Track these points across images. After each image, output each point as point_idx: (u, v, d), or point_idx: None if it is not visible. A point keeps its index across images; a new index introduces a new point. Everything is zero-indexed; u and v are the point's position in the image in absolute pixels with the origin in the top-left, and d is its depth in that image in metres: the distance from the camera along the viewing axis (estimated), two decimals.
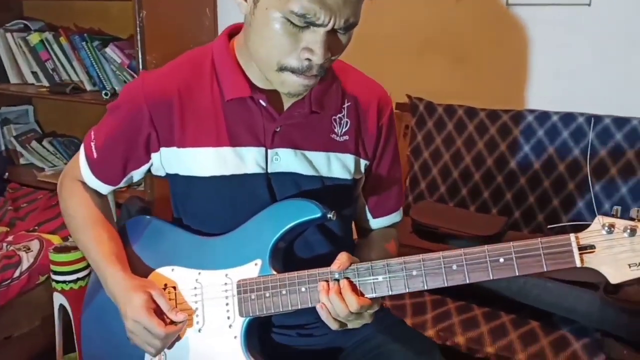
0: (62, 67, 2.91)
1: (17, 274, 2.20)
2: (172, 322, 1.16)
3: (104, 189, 1.32)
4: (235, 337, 1.16)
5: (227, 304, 1.18)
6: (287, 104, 1.21)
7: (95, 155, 1.28)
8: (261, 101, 1.18)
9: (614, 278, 0.98)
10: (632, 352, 1.45)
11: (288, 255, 1.21)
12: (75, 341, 1.69)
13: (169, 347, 1.20)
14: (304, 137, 1.21)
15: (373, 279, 1.09)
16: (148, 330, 1.14)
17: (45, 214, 2.68)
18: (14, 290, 2.18)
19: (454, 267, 1.06)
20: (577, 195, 1.98)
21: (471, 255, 1.05)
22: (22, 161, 3.13)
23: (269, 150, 1.20)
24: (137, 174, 1.29)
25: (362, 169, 1.28)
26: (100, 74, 2.79)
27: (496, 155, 2.13)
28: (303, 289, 1.13)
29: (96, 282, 1.29)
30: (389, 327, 1.29)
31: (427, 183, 2.24)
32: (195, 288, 1.21)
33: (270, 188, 1.21)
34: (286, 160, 1.20)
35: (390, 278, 1.09)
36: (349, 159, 1.24)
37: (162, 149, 1.22)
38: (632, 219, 0.98)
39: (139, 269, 1.24)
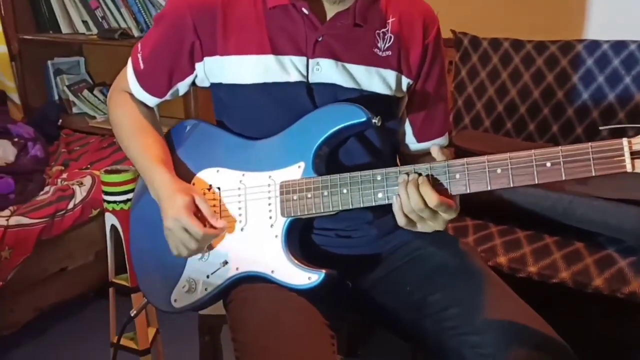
0: (111, 14, 2.91)
1: (71, 205, 2.23)
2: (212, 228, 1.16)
3: (151, 100, 1.31)
4: (276, 236, 1.16)
5: (269, 204, 1.17)
6: (330, 13, 1.18)
7: (142, 66, 1.28)
8: (304, 9, 1.16)
9: None
10: None
11: (330, 163, 1.19)
12: (127, 262, 1.71)
13: (214, 245, 1.21)
14: (346, 49, 1.18)
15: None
16: (186, 230, 1.14)
17: (97, 155, 2.72)
18: (68, 222, 2.22)
19: (499, 170, 1.01)
20: (627, 124, 1.88)
21: (517, 159, 1.00)
22: (74, 110, 3.16)
23: (310, 60, 1.17)
24: (182, 86, 1.28)
25: (404, 87, 1.23)
26: (147, 19, 2.78)
27: (543, 87, 2.04)
28: (344, 191, 1.11)
29: (143, 185, 1.30)
30: (424, 233, 1.25)
31: (470, 118, 2.17)
32: (239, 189, 1.21)
33: (311, 97, 1.19)
34: (327, 71, 1.18)
35: (432, 178, 1.04)
36: (390, 74, 1.20)
37: (206, 59, 1.22)
38: None
39: (185, 172, 1.25)
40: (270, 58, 1.17)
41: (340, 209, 1.12)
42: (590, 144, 0.95)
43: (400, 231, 1.25)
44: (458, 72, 2.21)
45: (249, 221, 1.19)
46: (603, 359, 1.60)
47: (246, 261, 1.19)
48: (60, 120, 3.07)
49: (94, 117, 3.06)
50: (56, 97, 3.19)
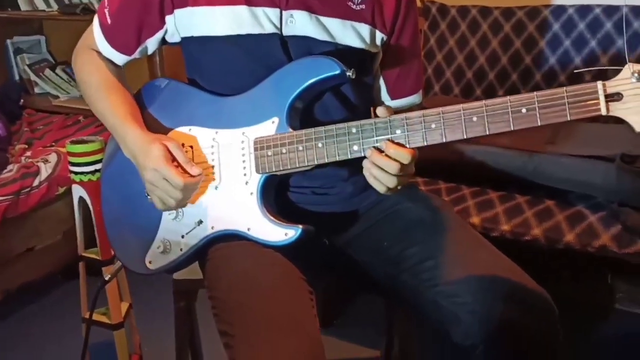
0: None
1: (36, 182, 2.17)
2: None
3: (119, 58, 1.27)
4: (251, 193, 1.14)
5: (243, 162, 1.15)
6: None
7: (109, 21, 1.23)
8: None
9: None
10: None
11: (305, 119, 1.17)
12: (97, 235, 1.67)
13: (187, 205, 1.18)
14: (320, 1, 1.16)
15: (391, 134, 1.05)
16: (167, 180, 1.12)
17: (61, 133, 2.65)
18: (34, 199, 2.16)
19: (474, 118, 1.01)
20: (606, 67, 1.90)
21: (492, 106, 1.00)
22: (37, 90, 3.08)
23: (284, 12, 1.15)
24: (151, 43, 1.25)
25: (378, 41, 1.22)
26: None
27: (511, 53, 2.06)
28: (320, 145, 1.09)
29: (114, 146, 1.27)
30: (402, 189, 1.25)
31: (440, 85, 2.18)
32: (212, 147, 1.18)
33: (285, 51, 1.16)
34: (301, 23, 1.15)
35: (408, 132, 1.04)
36: (364, 28, 1.19)
37: (176, 11, 1.18)
38: None
39: (157, 131, 1.21)
40: (242, 9, 1.14)
41: (316, 163, 1.10)
42: (564, 88, 0.95)
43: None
44: (427, 41, 2.21)
45: (224, 179, 1.17)
46: (573, 319, 1.63)
47: (221, 220, 1.16)
48: (22, 100, 2.98)
49: (57, 97, 2.98)
50: (17, 77, 3.10)
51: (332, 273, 1.29)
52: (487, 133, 1.00)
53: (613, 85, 0.93)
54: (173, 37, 1.23)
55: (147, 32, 1.22)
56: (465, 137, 1.01)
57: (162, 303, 1.52)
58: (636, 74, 0.92)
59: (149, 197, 1.22)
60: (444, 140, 1.03)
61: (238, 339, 0.98)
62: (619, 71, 0.94)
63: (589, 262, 1.52)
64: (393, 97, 1.30)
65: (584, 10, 1.95)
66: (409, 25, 1.25)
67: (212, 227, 1.17)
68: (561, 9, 1.99)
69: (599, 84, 0.93)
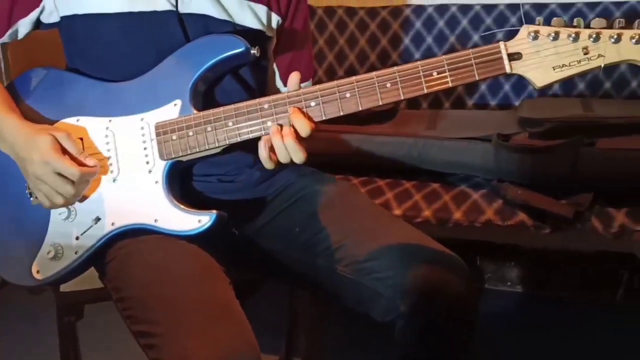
0: None
1: None
2: None
3: None
4: (156, 182, 1.04)
5: (145, 149, 1.05)
6: None
7: None
8: None
9: (540, 81, 0.97)
10: (525, 190, 1.50)
11: (205, 104, 1.09)
12: None
13: (80, 201, 1.05)
14: None
15: (305, 107, 1.01)
16: (59, 174, 0.98)
17: None
18: None
19: (388, 84, 1.00)
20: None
21: (404, 72, 0.99)
22: None
23: None
24: (23, 26, 1.10)
25: (274, 24, 1.18)
26: None
27: (378, 51, 2.11)
28: (230, 124, 1.02)
29: None
30: (307, 174, 1.23)
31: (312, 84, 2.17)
32: (106, 136, 1.06)
33: (182, 29, 1.08)
34: (198, 1, 1.08)
35: (323, 102, 1.01)
36: (261, 9, 1.15)
37: None
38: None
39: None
40: None
41: (228, 143, 1.03)
42: (470, 50, 0.97)
43: (283, 174, 1.22)
44: None
45: (122, 170, 1.06)
46: None
47: (123, 214, 1.05)
48: None
49: None
50: None
51: (243, 265, 1.21)
52: (402, 97, 1.00)
53: (513, 45, 0.96)
54: (50, 17, 1.09)
55: (20, 10, 1.08)
56: (380, 103, 1.00)
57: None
58: (532, 34, 0.96)
59: (31, 197, 1.07)
60: (360, 109, 1.01)
61: (166, 336, 0.88)
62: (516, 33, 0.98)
63: (456, 248, 1.59)
64: (286, 84, 1.27)
65: (441, 8, 2.07)
66: (301, 11, 1.23)
67: (113, 224, 1.05)
68: (421, 8, 2.09)
69: (501, 44, 0.96)
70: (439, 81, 0.98)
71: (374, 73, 1.00)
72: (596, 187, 1.49)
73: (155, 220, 1.03)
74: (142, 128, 1.05)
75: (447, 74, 0.98)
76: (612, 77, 1.91)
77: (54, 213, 1.06)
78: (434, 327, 1.03)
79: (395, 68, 1.00)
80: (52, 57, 1.18)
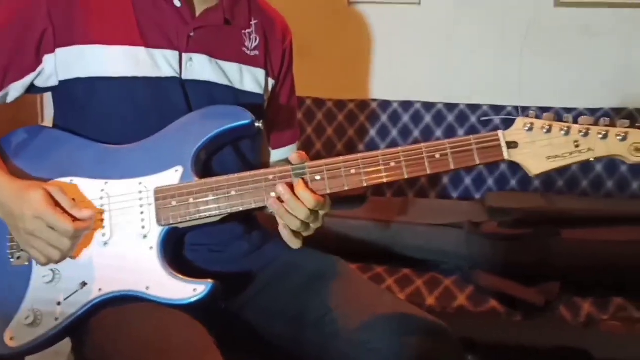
0: None
1: None
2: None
3: None
4: (151, 247, 1.00)
5: (142, 213, 1.01)
6: (199, 9, 1.11)
7: None
8: (175, 1, 1.08)
9: (536, 169, 1.01)
10: (496, 277, 1.52)
11: (202, 172, 1.07)
12: None
13: (73, 256, 0.99)
14: (218, 46, 1.12)
15: (310, 181, 1.00)
16: (52, 228, 0.93)
17: None
18: None
19: (392, 164, 1.01)
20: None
21: (409, 152, 1.01)
22: None
23: (184, 55, 1.08)
24: (15, 89, 1.06)
25: (270, 87, 1.21)
26: None
27: (345, 141, 2.16)
28: (233, 192, 1.00)
29: None
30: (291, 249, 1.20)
31: None
32: (101, 198, 1.02)
33: (184, 95, 1.08)
34: (200, 67, 1.09)
35: (328, 177, 1.01)
36: (260, 73, 1.17)
37: (58, 50, 1.03)
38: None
39: None
40: (141, 50, 1.04)
41: (230, 211, 1.00)
42: (471, 136, 1.01)
43: (270, 246, 1.19)
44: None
45: (115, 234, 1.00)
46: None
47: (111, 280, 0.98)
48: None
49: None
50: None
51: (229, 340, 1.15)
52: (406, 177, 1.01)
53: (510, 134, 1.01)
54: (48, 81, 1.06)
55: (15, 73, 1.04)
56: (385, 181, 1.01)
57: None
58: (527, 125, 1.01)
59: (12, 259, 1.00)
60: (364, 185, 1.01)
61: None
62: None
63: None
64: (274, 147, 1.27)
65: (406, 104, 2.16)
66: (290, 76, 1.27)
67: (100, 290, 0.98)
68: (387, 103, 2.17)
69: (500, 132, 1.00)
70: (441, 163, 1.01)
71: (378, 152, 1.02)
72: (563, 277, 1.53)
73: (147, 288, 0.98)
74: (141, 192, 1.01)
75: (450, 157, 1.01)
76: (564, 176, 2.02)
77: (36, 276, 0.99)
78: None
79: (400, 148, 1.01)
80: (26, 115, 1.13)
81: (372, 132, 2.16)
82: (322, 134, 2.18)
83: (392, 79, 2.24)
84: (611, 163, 2.02)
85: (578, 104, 1.95)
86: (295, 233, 1.01)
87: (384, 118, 2.16)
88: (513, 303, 1.48)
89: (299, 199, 0.98)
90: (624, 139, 0.97)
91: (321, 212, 1.01)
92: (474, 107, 2.11)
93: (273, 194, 1.00)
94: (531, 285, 1.52)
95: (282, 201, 0.98)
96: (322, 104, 2.21)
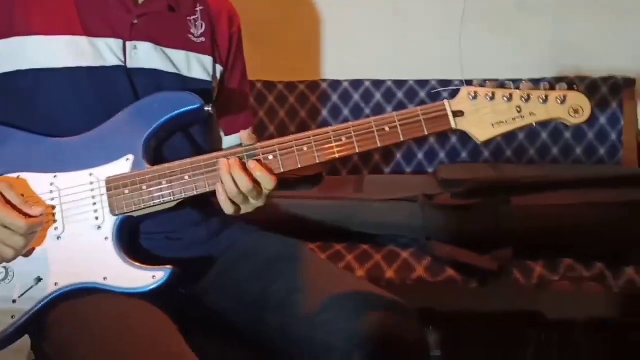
0: None
1: None
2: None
3: None
4: (106, 238, 0.99)
5: (94, 204, 1.00)
6: None
7: None
8: None
9: (482, 136, 1.04)
10: (451, 247, 1.56)
11: (154, 160, 1.06)
12: None
13: (25, 256, 0.97)
14: (163, 33, 1.11)
15: (263, 158, 1.01)
16: (4, 226, 0.92)
17: None
18: None
19: (343, 139, 1.03)
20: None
21: (359, 127, 1.03)
22: None
23: (128, 43, 1.07)
24: None
25: (218, 74, 1.19)
26: None
27: (297, 123, 2.16)
28: (187, 177, 1.00)
29: None
30: (252, 232, 1.22)
31: None
32: (51, 192, 1.00)
33: (131, 84, 1.07)
34: (146, 55, 1.08)
35: (281, 155, 1.01)
36: (207, 60, 1.16)
37: None
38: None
39: None
40: (82, 39, 1.03)
41: (184, 196, 1.00)
42: (418, 108, 1.03)
43: (229, 232, 1.20)
44: None
45: (68, 227, 0.99)
46: None
47: (67, 273, 0.97)
48: None
49: None
50: None
51: (191, 326, 1.15)
52: (357, 151, 1.03)
53: (456, 104, 1.03)
54: None
55: None
56: (337, 156, 1.03)
57: None
58: (472, 94, 1.04)
59: None
60: (317, 162, 1.02)
61: None
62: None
63: None
64: (227, 133, 1.26)
65: (356, 83, 2.17)
66: (239, 61, 1.25)
67: (56, 284, 0.97)
68: (337, 83, 2.18)
69: (446, 102, 1.03)
70: (390, 135, 1.03)
71: (329, 128, 1.03)
72: (515, 242, 1.58)
73: (105, 279, 0.97)
74: (92, 183, 1.00)
75: (399, 129, 1.03)
76: (512, 145, 2.07)
77: None
78: None
79: (350, 123, 1.03)
80: None
81: (324, 113, 2.16)
82: (275, 117, 2.17)
83: (341, 58, 2.25)
84: (556, 131, 2.08)
85: (521, 75, 2.00)
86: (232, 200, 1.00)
87: (334, 98, 2.17)
88: (469, 271, 1.52)
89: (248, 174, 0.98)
90: (563, 101, 1.01)
91: (265, 191, 1.01)
92: (422, 83, 2.14)
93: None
94: (485, 252, 1.56)
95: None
96: (272, 86, 2.20)
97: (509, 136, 2.07)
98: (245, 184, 0.97)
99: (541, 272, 1.54)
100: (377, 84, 2.17)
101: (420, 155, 2.11)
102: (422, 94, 2.13)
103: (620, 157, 2.07)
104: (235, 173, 0.97)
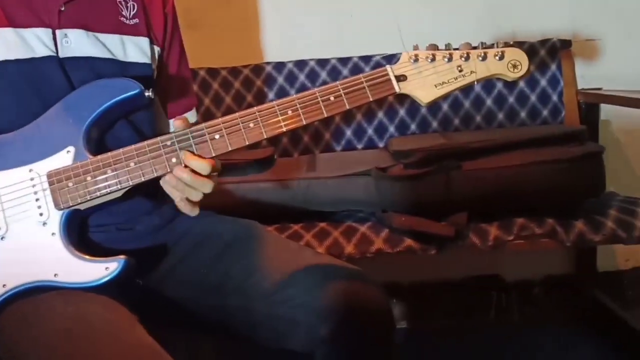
0: None
1: None
2: None
3: None
4: (53, 234, 0.96)
5: (37, 200, 0.97)
6: None
7: None
8: None
9: (426, 98, 1.04)
10: (408, 217, 1.57)
11: (97, 151, 1.03)
12: None
13: None
14: (93, 18, 1.07)
15: (209, 138, 0.99)
16: None
17: None
18: None
19: (289, 112, 1.02)
20: (322, 127, 2.10)
21: (304, 99, 1.03)
22: None
23: (57, 31, 1.03)
24: None
25: (157, 55, 1.17)
26: None
27: (245, 107, 2.10)
28: (132, 164, 0.97)
29: None
30: (206, 216, 1.19)
31: None
32: None
33: (65, 74, 1.03)
34: (78, 43, 1.05)
35: (227, 134, 1.00)
36: (143, 41, 1.13)
37: None
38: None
39: None
40: (8, 31, 0.99)
41: (131, 184, 0.98)
42: (361, 75, 1.04)
43: (182, 218, 1.16)
44: None
45: (11, 226, 0.96)
46: None
47: (15, 274, 0.94)
48: None
49: None
50: None
51: (151, 318, 1.13)
52: (304, 123, 1.02)
53: (398, 68, 1.04)
54: None
55: None
56: (284, 130, 1.02)
57: None
58: (412, 57, 1.04)
59: None
60: (264, 137, 1.01)
61: None
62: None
63: None
64: (169, 116, 1.24)
65: (300, 64, 2.16)
66: (176, 40, 1.23)
67: (4, 286, 0.94)
68: (281, 64, 2.16)
69: (388, 67, 1.03)
70: (336, 104, 1.03)
71: (274, 102, 1.03)
72: (469, 207, 1.60)
73: (55, 275, 0.94)
74: (32, 179, 0.97)
75: (344, 97, 1.02)
76: (459, 114, 2.10)
77: None
78: (358, 345, 1.02)
79: (295, 96, 1.03)
80: None
81: (271, 95, 2.14)
82: (221, 104, 2.14)
83: (284, 40, 2.22)
84: (500, 97, 2.12)
85: (461, 40, 2.02)
86: (194, 202, 1.00)
87: (280, 80, 2.15)
88: (426, 238, 1.53)
89: (197, 173, 0.97)
90: (502, 57, 1.03)
91: (208, 179, 0.99)
92: (366, 59, 2.13)
93: (174, 160, 0.98)
94: (441, 219, 1.57)
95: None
96: (216, 73, 2.16)
97: (456, 105, 2.10)
98: (188, 178, 0.96)
99: (496, 233, 1.56)
100: (322, 62, 2.15)
101: (370, 131, 2.11)
102: (367, 70, 2.12)
103: (562, 117, 2.12)
104: (177, 174, 0.96)
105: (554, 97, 2.12)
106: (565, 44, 2.14)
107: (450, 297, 2.28)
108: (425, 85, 1.04)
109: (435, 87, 1.05)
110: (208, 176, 0.98)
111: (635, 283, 2.29)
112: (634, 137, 2.23)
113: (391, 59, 2.10)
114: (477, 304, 2.30)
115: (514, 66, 1.03)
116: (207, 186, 0.98)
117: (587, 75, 2.17)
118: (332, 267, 1.08)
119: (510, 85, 2.12)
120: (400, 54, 1.05)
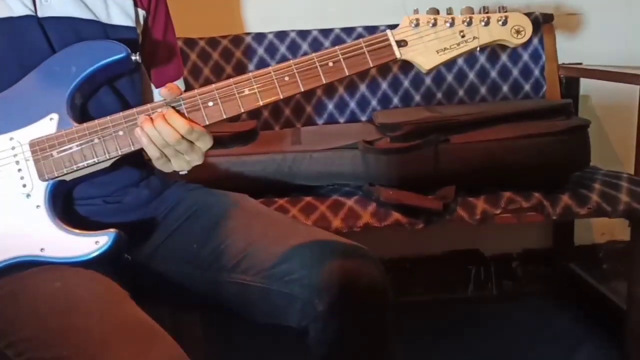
0: None
1: None
2: None
3: None
4: (37, 206, 0.91)
5: (19, 170, 0.91)
6: None
7: None
8: None
9: (427, 64, 1.01)
10: (395, 190, 1.54)
11: (80, 118, 0.97)
12: None
13: None
14: None
15: (203, 105, 0.94)
16: None
17: None
18: None
19: (286, 78, 0.97)
20: (304, 100, 2.05)
21: (301, 64, 0.98)
22: None
23: None
24: None
25: (141, 19, 1.11)
26: None
27: (224, 78, 2.03)
28: (121, 133, 0.92)
29: None
30: (196, 189, 1.16)
31: None
32: None
33: (45, 35, 0.96)
34: (59, 2, 0.98)
35: (222, 101, 0.95)
36: (127, 3, 1.07)
37: None
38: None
39: None
40: None
41: (120, 153, 0.92)
42: (361, 40, 0.99)
43: (172, 190, 1.13)
44: None
45: None
46: None
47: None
48: None
49: None
50: None
51: (141, 294, 1.08)
52: (302, 90, 0.98)
53: (399, 33, 1.00)
54: None
55: None
56: (281, 96, 0.97)
57: None
58: (413, 22, 1.00)
59: None
60: (260, 104, 0.97)
61: None
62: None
63: None
64: (158, 85, 1.18)
65: (281, 35, 2.09)
66: (161, 4, 1.17)
67: None
68: (261, 35, 2.10)
69: (388, 32, 0.99)
70: (335, 70, 0.98)
71: (270, 68, 0.98)
72: (456, 180, 1.58)
73: (42, 250, 0.88)
74: (14, 148, 0.91)
75: (343, 63, 0.98)
76: (441, 88, 2.07)
77: None
78: (353, 322, 1.00)
79: (292, 61, 0.98)
80: None
81: (251, 67, 2.08)
82: (199, 75, 2.07)
83: (264, 10, 2.15)
84: (482, 71, 2.09)
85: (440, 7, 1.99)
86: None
87: (260, 51, 2.08)
88: (414, 212, 1.51)
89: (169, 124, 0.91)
90: (505, 23, 0.99)
91: (198, 144, 0.94)
92: (348, 30, 2.08)
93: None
94: (428, 193, 1.55)
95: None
96: (194, 43, 2.08)
97: (438, 79, 2.07)
98: (168, 134, 0.90)
99: (483, 207, 1.54)
100: (303, 34, 2.09)
101: (352, 105, 2.07)
102: (348, 41, 2.07)
103: (544, 91, 2.11)
104: (157, 124, 0.90)
105: (536, 72, 2.11)
106: (548, 18, 2.12)
107: (429, 271, 2.28)
108: (426, 51, 1.00)
109: (437, 53, 1.01)
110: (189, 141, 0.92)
111: (610, 256, 2.32)
112: (612, 112, 2.23)
113: (373, 30, 2.05)
114: (456, 278, 2.30)
115: (518, 32, 1.00)
116: (182, 145, 0.92)
117: (567, 49, 2.17)
118: (328, 242, 1.04)
119: (493, 59, 2.10)
120: (383, 26, 1.01)
